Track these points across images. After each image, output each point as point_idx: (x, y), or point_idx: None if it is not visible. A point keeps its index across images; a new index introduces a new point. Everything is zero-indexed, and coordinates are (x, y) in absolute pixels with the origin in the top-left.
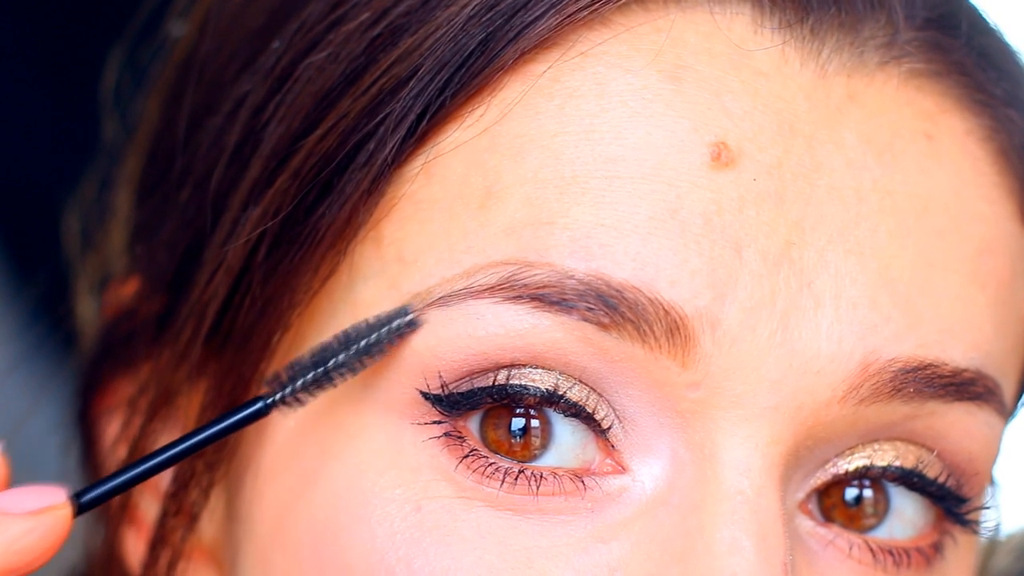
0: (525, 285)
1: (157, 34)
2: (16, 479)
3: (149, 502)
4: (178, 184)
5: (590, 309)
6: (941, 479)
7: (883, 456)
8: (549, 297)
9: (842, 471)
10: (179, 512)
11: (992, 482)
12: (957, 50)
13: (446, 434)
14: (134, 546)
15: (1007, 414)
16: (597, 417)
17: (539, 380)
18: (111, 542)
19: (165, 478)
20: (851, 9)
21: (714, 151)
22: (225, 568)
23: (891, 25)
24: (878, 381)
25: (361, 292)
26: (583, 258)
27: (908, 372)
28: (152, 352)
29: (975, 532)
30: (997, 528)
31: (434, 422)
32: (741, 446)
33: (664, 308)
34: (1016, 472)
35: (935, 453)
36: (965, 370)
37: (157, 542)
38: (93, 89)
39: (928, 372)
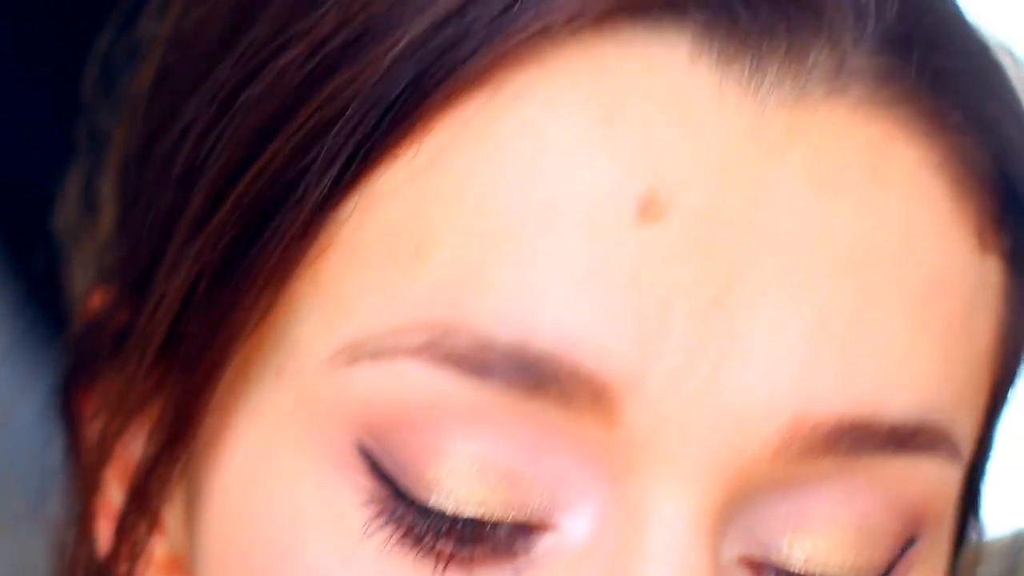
0: (449, 350)
1: (134, 31)
2: (3, 469)
3: (116, 490)
4: (134, 201)
5: (511, 378)
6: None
7: (816, 561)
8: (471, 364)
9: (772, 561)
10: (140, 514)
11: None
12: (910, 76)
13: (376, 492)
14: (104, 536)
15: (962, 455)
16: (525, 477)
17: (467, 442)
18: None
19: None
20: (795, 38)
21: (642, 203)
22: None
23: (838, 53)
24: (810, 439)
25: (300, 330)
26: (506, 325)
27: (842, 430)
28: (116, 364)
29: (919, 571)
30: (982, 533)
31: (366, 475)
32: (668, 503)
33: (586, 376)
34: (1001, 474)
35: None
36: (904, 424)
37: (117, 545)
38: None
39: (863, 430)
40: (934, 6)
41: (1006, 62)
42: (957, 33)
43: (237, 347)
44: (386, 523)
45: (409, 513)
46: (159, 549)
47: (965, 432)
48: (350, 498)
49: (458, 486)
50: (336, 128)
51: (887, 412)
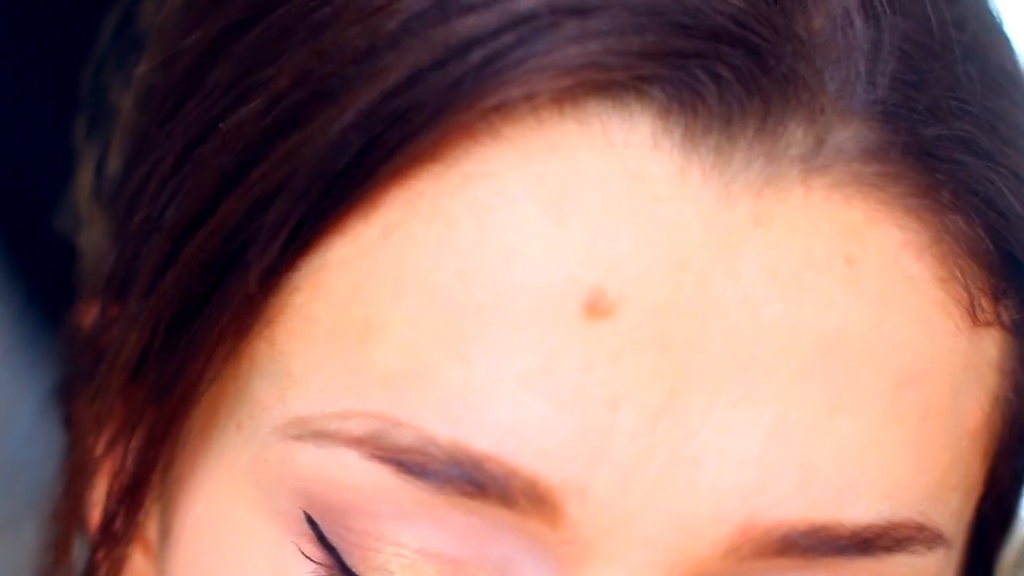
0: (390, 446)
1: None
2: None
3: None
4: (112, 224)
5: (451, 479)
6: None
7: None
8: (411, 462)
9: None
10: (113, 539)
11: None
12: (898, 151)
13: (323, 563)
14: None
15: (947, 539)
16: (468, 569)
17: (407, 535)
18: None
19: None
20: (769, 115)
21: (591, 300)
22: None
23: (817, 128)
24: (761, 543)
25: (257, 389)
26: (449, 423)
27: (796, 535)
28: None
29: None
30: None
31: (313, 544)
32: None
33: (527, 480)
34: None
35: None
36: (868, 526)
37: (93, 564)
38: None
39: (820, 535)
40: (945, 66)
41: None
42: (967, 96)
43: (197, 396)
44: None
45: None
46: (142, 564)
47: (952, 511)
48: (296, 565)
49: (402, 571)
50: (285, 193)
51: (850, 516)
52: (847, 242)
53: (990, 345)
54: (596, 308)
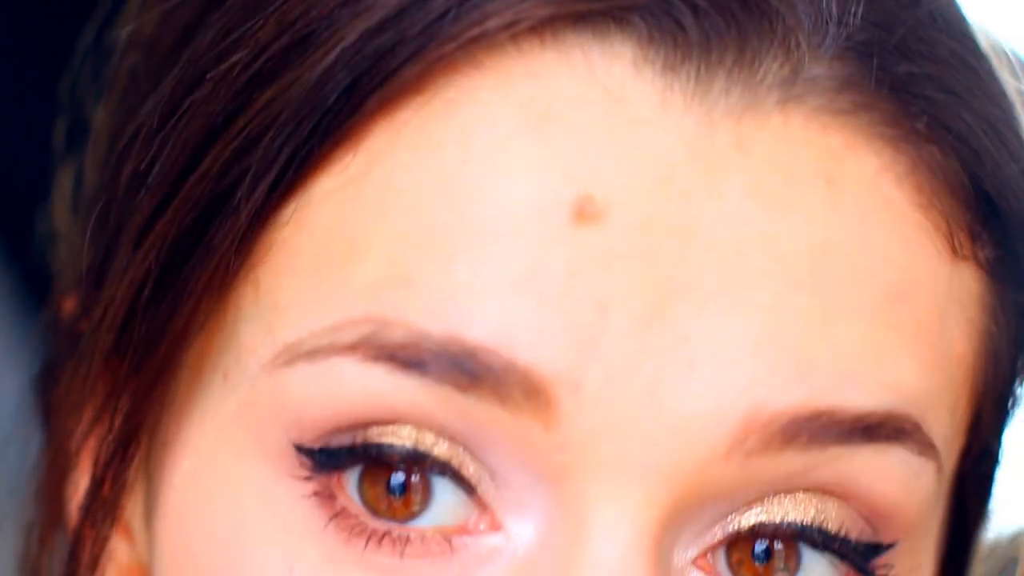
0: (382, 345)
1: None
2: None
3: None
4: (94, 205)
5: (445, 371)
6: (844, 532)
7: (778, 511)
8: (405, 358)
9: (736, 528)
10: (96, 518)
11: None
12: (871, 83)
13: (316, 492)
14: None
15: (938, 453)
16: (465, 474)
17: (402, 438)
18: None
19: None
20: (746, 46)
21: (578, 206)
22: None
23: (793, 61)
24: (765, 434)
25: (243, 334)
26: (439, 319)
27: (800, 422)
28: (75, 364)
29: None
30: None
31: (305, 478)
32: (610, 510)
33: (521, 371)
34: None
35: (837, 501)
36: (871, 412)
37: (76, 549)
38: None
39: (824, 420)
40: (910, 11)
41: (1007, 65)
42: (933, 40)
43: (183, 351)
44: (330, 518)
45: (343, 490)
46: (126, 555)
47: (943, 434)
48: (291, 495)
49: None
50: (272, 134)
51: (852, 402)
52: (827, 164)
53: (970, 279)
54: (584, 214)
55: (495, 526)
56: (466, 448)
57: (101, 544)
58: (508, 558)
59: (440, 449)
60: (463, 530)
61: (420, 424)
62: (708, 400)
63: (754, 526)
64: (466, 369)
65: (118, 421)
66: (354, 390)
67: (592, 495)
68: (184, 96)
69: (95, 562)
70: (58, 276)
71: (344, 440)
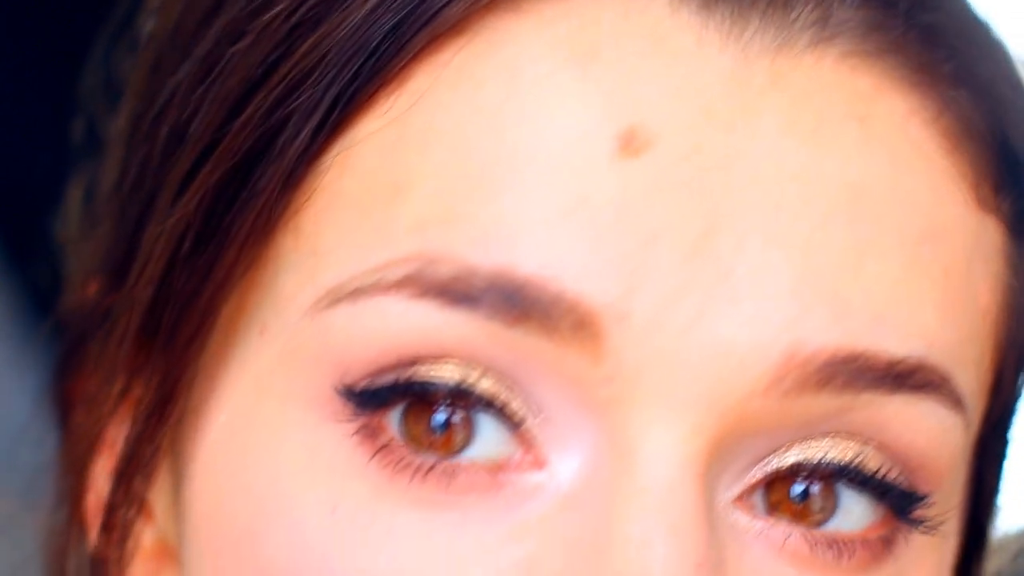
0: (430, 281)
1: (133, 30)
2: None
3: (105, 485)
4: (121, 181)
5: (494, 305)
6: (882, 473)
7: (818, 450)
8: (454, 293)
9: (777, 467)
10: (124, 500)
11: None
12: (898, 28)
13: (360, 430)
14: (94, 533)
15: (966, 407)
16: (509, 411)
17: (447, 374)
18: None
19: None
20: None
21: (624, 138)
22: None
23: (824, 4)
24: (803, 373)
25: (283, 284)
26: (488, 252)
27: (836, 363)
28: (102, 345)
29: (924, 531)
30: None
31: (348, 419)
32: (658, 440)
33: (570, 303)
34: (1015, 472)
35: (874, 446)
36: (903, 360)
37: (106, 530)
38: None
39: (859, 363)
40: None
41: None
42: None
43: (220, 307)
44: (374, 454)
45: (386, 425)
46: (148, 537)
47: (969, 389)
48: (333, 437)
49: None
50: (316, 77)
51: (884, 347)
52: (858, 106)
53: (993, 231)
54: (629, 146)
55: (539, 463)
56: (511, 383)
57: (135, 512)
58: (553, 492)
59: (485, 385)
60: (505, 466)
61: (467, 360)
62: (750, 333)
63: (793, 465)
64: (515, 303)
65: (155, 381)
66: (400, 327)
67: (639, 426)
68: (223, 50)
69: (124, 538)
70: (70, 274)
71: (389, 379)
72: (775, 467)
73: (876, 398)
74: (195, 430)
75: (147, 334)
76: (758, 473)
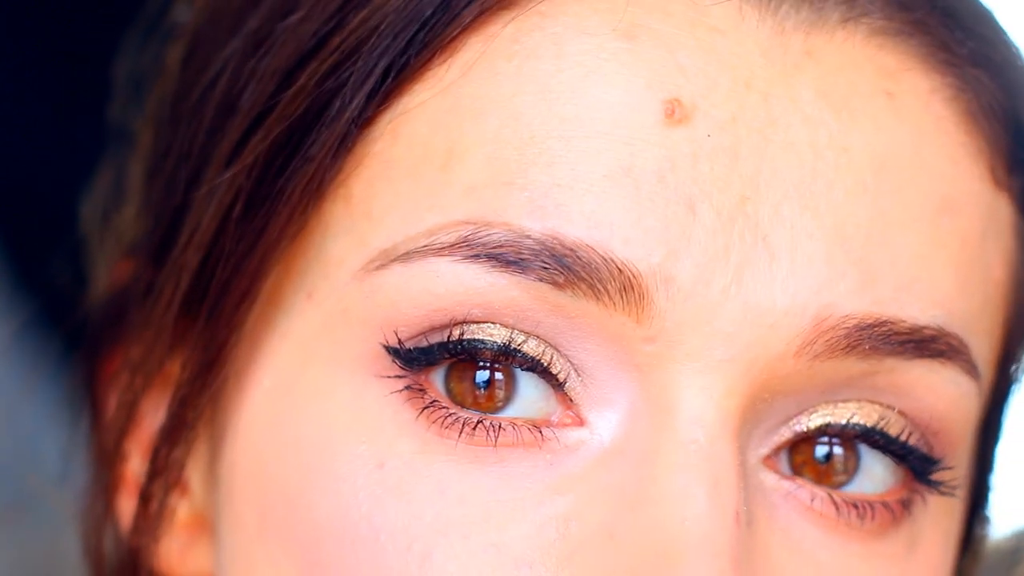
0: (483, 244)
1: (167, 18)
2: (19, 464)
3: (137, 461)
4: (164, 156)
5: (545, 268)
6: (904, 437)
7: (844, 413)
8: (506, 256)
9: (804, 428)
10: (165, 467)
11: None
12: (921, 9)
13: (407, 387)
14: (126, 508)
15: (979, 376)
16: (553, 371)
17: (494, 335)
18: (105, 507)
19: (151, 432)
20: None
21: (668, 108)
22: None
23: None
24: (832, 337)
25: (331, 249)
26: (539, 218)
27: (863, 329)
28: (140, 322)
29: (943, 493)
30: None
31: (396, 376)
32: (696, 397)
33: (617, 267)
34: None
35: (897, 410)
36: (925, 327)
37: (144, 500)
38: (104, 77)
39: (884, 329)
40: None
41: None
42: None
43: (270, 268)
44: (421, 410)
45: (432, 384)
46: (183, 509)
47: (983, 357)
48: (380, 395)
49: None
50: (370, 46)
51: (908, 314)
52: (886, 81)
53: (1006, 207)
54: (674, 115)
55: (579, 421)
56: (554, 344)
57: (175, 480)
58: (594, 448)
59: (530, 346)
60: (546, 423)
61: (513, 320)
62: (785, 297)
63: (821, 426)
64: (565, 266)
65: (200, 347)
66: (451, 288)
67: (678, 384)
68: (274, 25)
69: (162, 508)
70: (92, 263)
71: (438, 337)
72: (803, 428)
73: (899, 363)
74: (237, 395)
75: (192, 303)
76: (787, 433)
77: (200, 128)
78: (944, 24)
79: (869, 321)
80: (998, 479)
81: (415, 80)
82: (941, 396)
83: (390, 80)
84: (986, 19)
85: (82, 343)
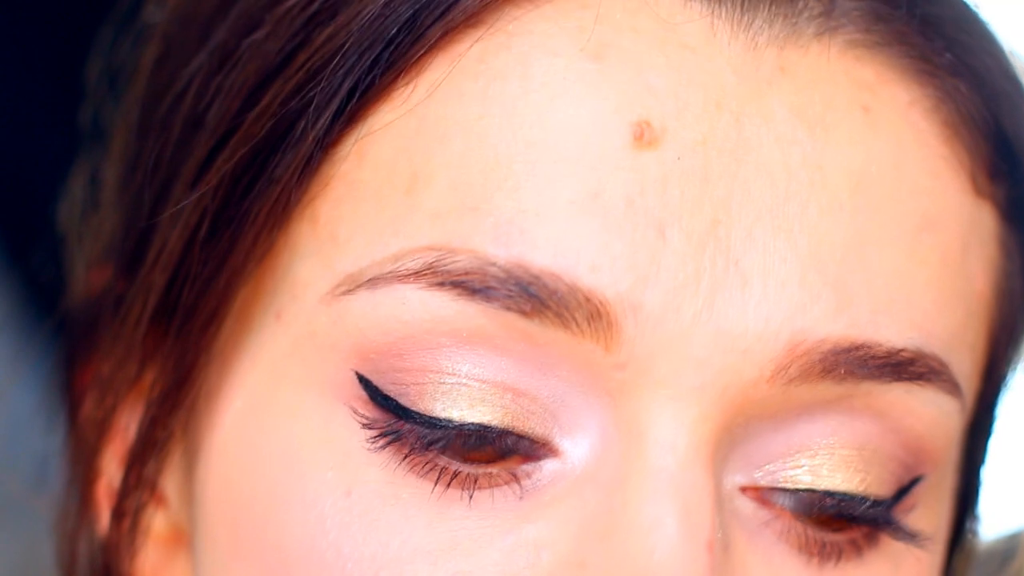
0: (448, 271)
1: (138, 19)
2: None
3: (114, 470)
4: (134, 168)
5: (510, 296)
6: (884, 494)
7: (822, 478)
8: (471, 284)
9: (780, 483)
10: (136, 484)
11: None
12: (899, 19)
13: (382, 434)
14: (103, 519)
15: (962, 394)
16: (527, 392)
17: (466, 360)
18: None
19: (128, 442)
20: None
21: (636, 130)
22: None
23: None
24: (807, 361)
25: (299, 271)
26: (504, 244)
27: (839, 353)
28: (111, 336)
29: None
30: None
31: (368, 424)
32: (668, 424)
33: (584, 295)
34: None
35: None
36: (902, 350)
37: (117, 517)
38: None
39: (860, 353)
40: None
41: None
42: None
43: (237, 289)
44: (388, 443)
45: (411, 432)
46: (160, 522)
47: (965, 373)
48: (351, 425)
49: (459, 400)
50: (334, 66)
51: (885, 337)
52: (863, 94)
53: (988, 216)
54: (643, 138)
55: (551, 451)
56: (524, 369)
57: (147, 498)
58: (565, 476)
59: (504, 375)
60: (522, 459)
61: (482, 348)
62: (757, 322)
63: (799, 489)
64: (531, 294)
65: (169, 365)
66: (418, 316)
67: (650, 411)
68: (239, 41)
69: (135, 524)
70: (71, 265)
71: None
72: (780, 483)
73: (876, 387)
74: (209, 414)
75: (162, 319)
76: (763, 481)
77: (168, 141)
78: (923, 33)
79: (844, 345)
80: (989, 482)
81: (380, 100)
82: (920, 417)
83: (355, 100)
84: (969, 25)
85: (61, 346)
